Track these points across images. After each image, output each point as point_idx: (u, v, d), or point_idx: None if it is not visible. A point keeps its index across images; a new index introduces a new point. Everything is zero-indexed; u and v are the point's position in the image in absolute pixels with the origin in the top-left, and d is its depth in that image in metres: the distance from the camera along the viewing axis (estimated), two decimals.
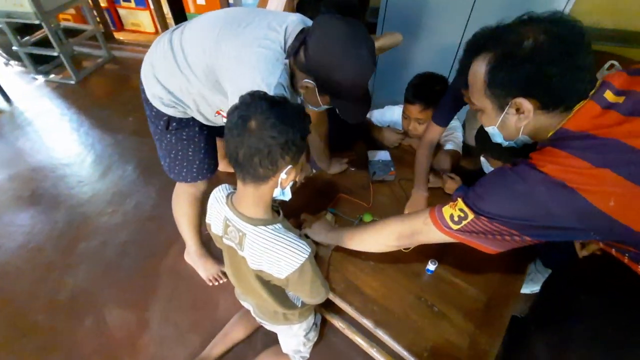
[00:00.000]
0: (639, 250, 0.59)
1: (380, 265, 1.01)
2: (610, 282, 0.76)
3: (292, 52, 0.83)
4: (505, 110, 0.65)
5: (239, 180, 0.70)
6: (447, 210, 0.71)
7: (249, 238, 0.72)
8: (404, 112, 1.41)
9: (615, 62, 0.63)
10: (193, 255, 1.48)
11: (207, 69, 0.88)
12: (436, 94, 1.31)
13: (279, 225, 0.73)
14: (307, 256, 0.70)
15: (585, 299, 0.79)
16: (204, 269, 1.49)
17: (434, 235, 0.75)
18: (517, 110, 0.64)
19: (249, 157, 0.62)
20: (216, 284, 1.49)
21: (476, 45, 0.66)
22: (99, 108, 2.65)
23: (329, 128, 1.25)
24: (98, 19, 3.37)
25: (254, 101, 0.62)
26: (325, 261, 0.98)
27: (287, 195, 0.74)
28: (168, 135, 1.08)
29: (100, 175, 2.07)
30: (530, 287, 1.43)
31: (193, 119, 1.08)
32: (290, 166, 0.66)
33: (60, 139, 2.37)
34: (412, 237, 0.81)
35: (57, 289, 1.48)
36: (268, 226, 0.72)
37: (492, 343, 0.85)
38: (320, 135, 1.23)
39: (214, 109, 1.01)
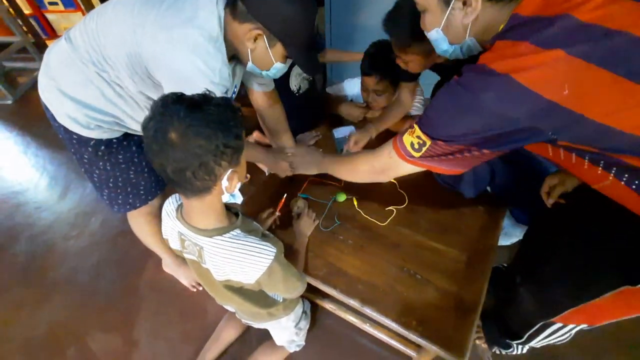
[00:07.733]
0: (597, 149, 0.54)
1: (360, 243, 1.00)
2: (580, 221, 0.77)
3: (229, 6, 0.73)
4: (451, 5, 0.62)
5: (180, 194, 0.63)
6: (407, 139, 0.70)
7: (207, 251, 0.67)
8: (362, 84, 1.35)
9: None
10: (171, 265, 1.42)
11: (131, 57, 0.74)
12: (393, 64, 1.25)
13: (237, 231, 0.68)
14: (272, 258, 0.66)
15: (560, 242, 0.80)
16: (185, 276, 1.43)
17: (401, 167, 0.75)
18: (464, 3, 0.60)
19: (180, 173, 0.54)
20: (200, 289, 1.44)
21: None
22: (44, 125, 2.40)
23: (286, 111, 1.18)
24: (25, 29, 3.06)
25: (167, 108, 0.53)
26: (302, 252, 0.95)
27: (239, 198, 0.68)
28: (100, 163, 0.92)
29: (58, 197, 1.93)
30: (510, 240, 1.47)
31: (126, 135, 0.92)
32: (230, 170, 0.59)
33: (6, 165, 2.18)
34: (384, 173, 0.82)
35: (31, 326, 1.39)
36: (224, 235, 0.66)
37: (476, 300, 0.87)
38: (276, 117, 1.15)
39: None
